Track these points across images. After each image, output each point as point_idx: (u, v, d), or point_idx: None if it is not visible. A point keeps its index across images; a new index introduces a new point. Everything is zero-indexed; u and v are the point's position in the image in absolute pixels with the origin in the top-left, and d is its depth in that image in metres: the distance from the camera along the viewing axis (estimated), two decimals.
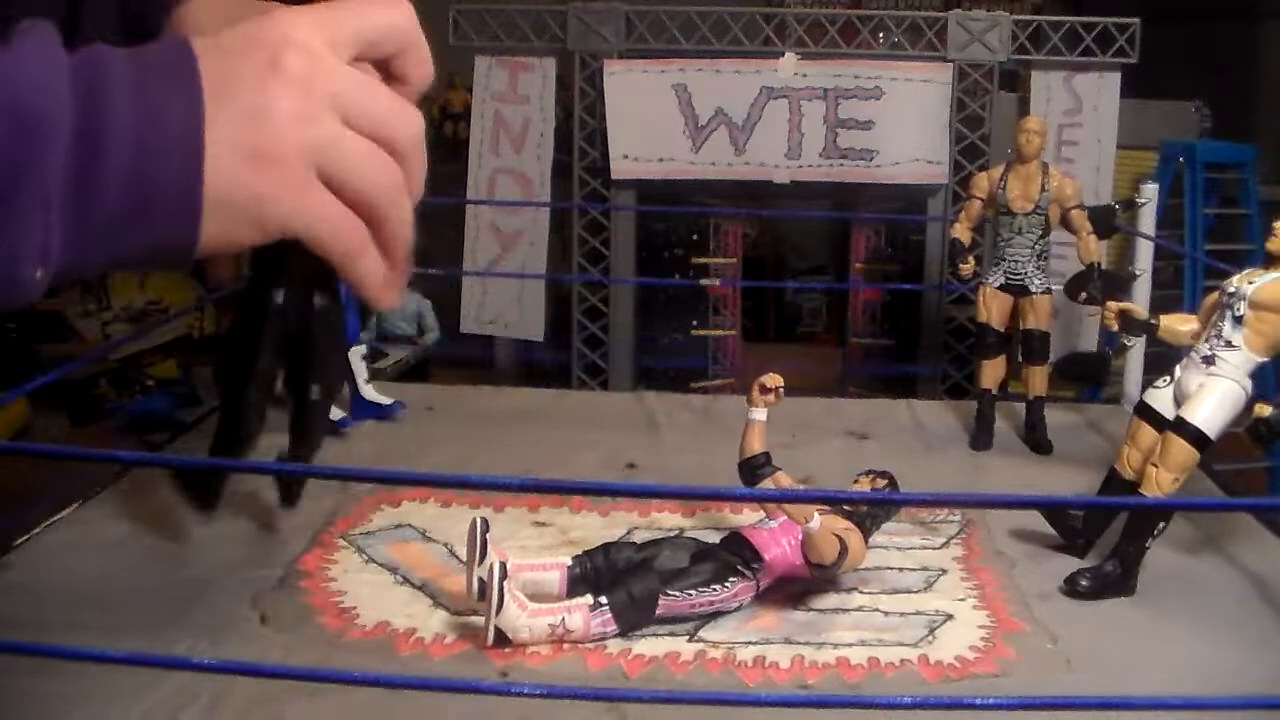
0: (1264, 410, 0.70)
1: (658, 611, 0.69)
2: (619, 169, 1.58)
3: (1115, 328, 0.83)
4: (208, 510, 0.67)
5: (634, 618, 0.68)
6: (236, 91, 0.44)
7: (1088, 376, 1.11)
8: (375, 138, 0.47)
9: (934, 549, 0.83)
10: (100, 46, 0.42)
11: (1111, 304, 0.83)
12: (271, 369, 0.63)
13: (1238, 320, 0.74)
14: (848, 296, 1.81)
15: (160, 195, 0.42)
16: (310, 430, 0.67)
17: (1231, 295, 0.75)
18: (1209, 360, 0.76)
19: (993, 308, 1.07)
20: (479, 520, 0.67)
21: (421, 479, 0.53)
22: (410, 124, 0.48)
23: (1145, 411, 0.78)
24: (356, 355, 1.09)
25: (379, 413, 1.08)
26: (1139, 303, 1.12)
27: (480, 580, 0.66)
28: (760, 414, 0.78)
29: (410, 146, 0.49)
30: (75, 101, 0.40)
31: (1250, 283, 0.75)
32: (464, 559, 0.69)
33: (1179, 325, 0.81)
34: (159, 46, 0.43)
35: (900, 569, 0.79)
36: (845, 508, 0.76)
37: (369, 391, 1.09)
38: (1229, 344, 0.75)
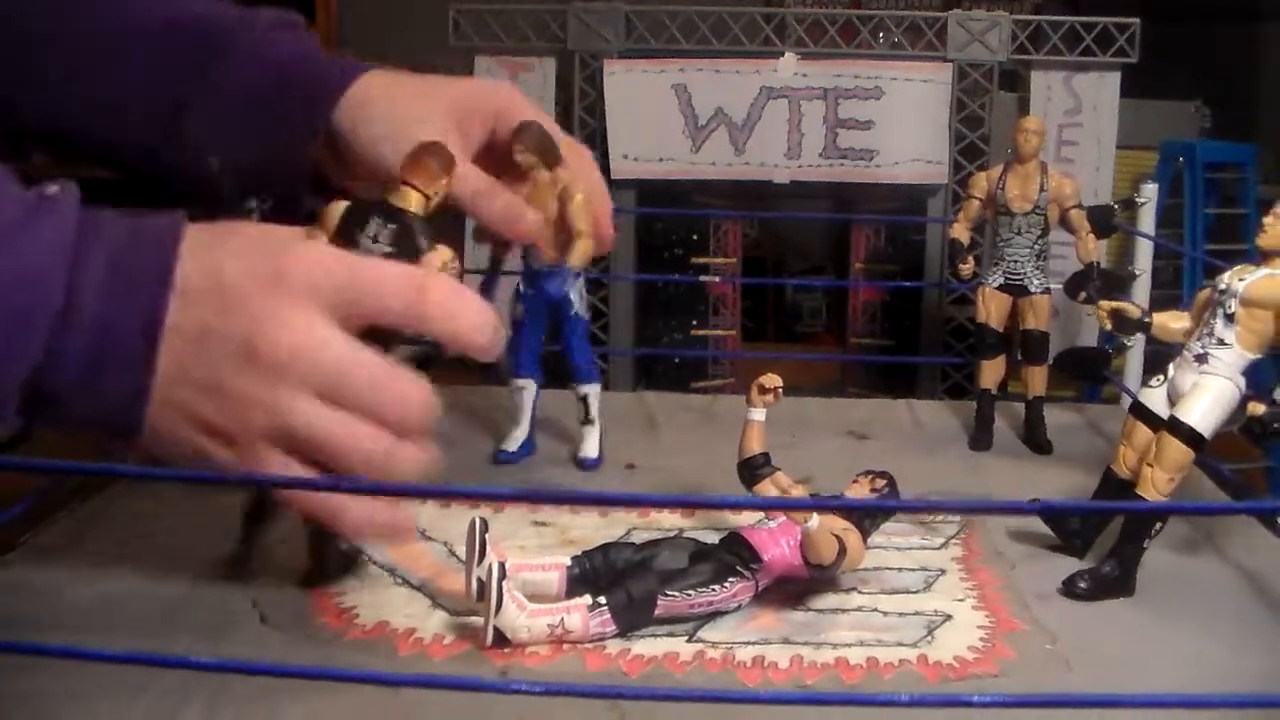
0: (1257, 408, 0.70)
1: (656, 612, 0.69)
2: (619, 169, 1.59)
3: (1108, 326, 0.83)
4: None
5: (633, 618, 0.68)
6: (202, 366, 0.46)
7: (1087, 372, 1.11)
8: (363, 415, 0.49)
9: (933, 549, 0.83)
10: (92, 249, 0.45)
11: (1104, 303, 0.83)
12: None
13: (1229, 318, 0.74)
14: (847, 296, 1.81)
15: (108, 423, 0.47)
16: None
17: (1223, 292, 0.75)
18: (1201, 358, 0.75)
19: (992, 308, 1.07)
20: (478, 520, 0.67)
21: (408, 490, 0.54)
22: (406, 405, 0.50)
23: (1140, 411, 0.78)
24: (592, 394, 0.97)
25: (584, 464, 0.96)
26: (1139, 302, 1.12)
27: (479, 580, 0.66)
28: (759, 414, 0.78)
29: (408, 428, 0.51)
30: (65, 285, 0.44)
31: (1241, 279, 0.74)
32: (463, 559, 0.69)
33: (1172, 323, 0.80)
34: (140, 283, 0.46)
35: (899, 569, 0.79)
36: None
37: (589, 439, 0.98)
38: (1221, 342, 0.75)
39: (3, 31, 0.74)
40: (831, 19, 1.58)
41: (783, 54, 1.54)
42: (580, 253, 0.88)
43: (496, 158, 0.81)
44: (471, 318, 0.53)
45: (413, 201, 0.60)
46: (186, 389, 0.46)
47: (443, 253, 0.59)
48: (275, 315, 0.46)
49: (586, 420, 0.97)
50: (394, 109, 0.74)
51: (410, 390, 0.51)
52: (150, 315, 0.45)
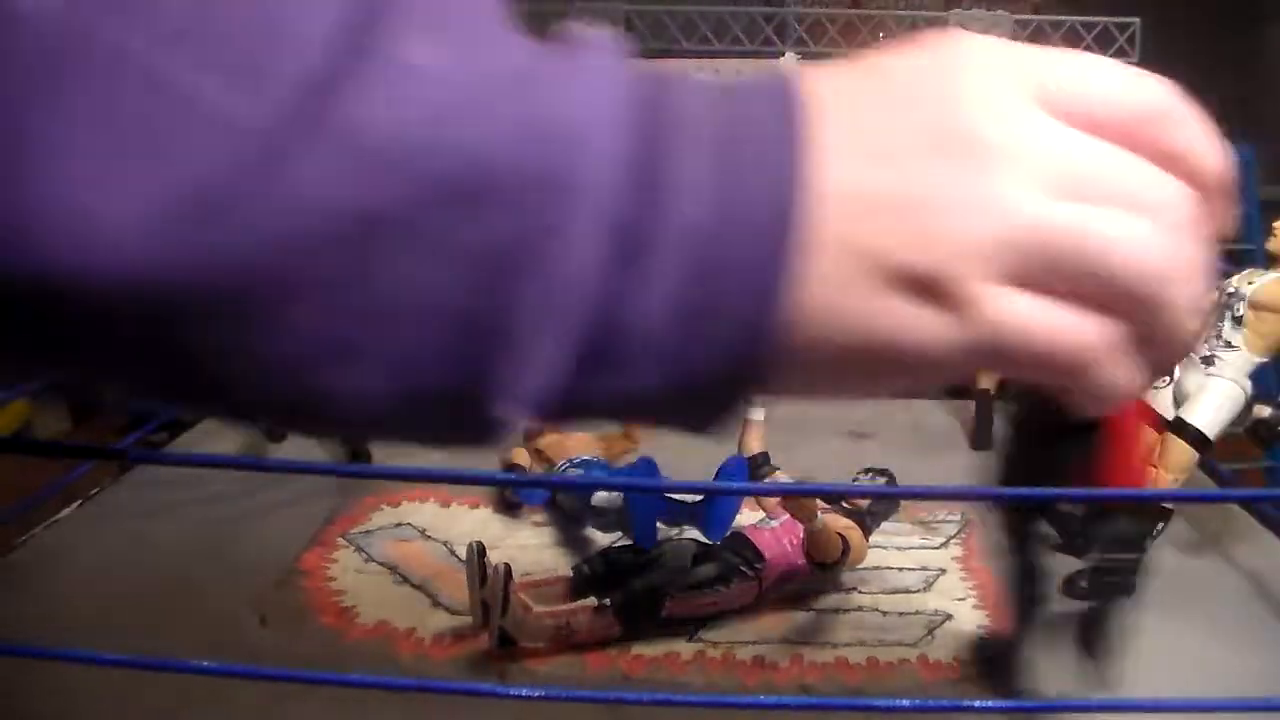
0: (1263, 411, 0.70)
1: (662, 613, 0.69)
2: None
3: None
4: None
5: (638, 619, 0.68)
6: (875, 173, 0.27)
7: None
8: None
9: (933, 549, 0.83)
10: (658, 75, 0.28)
11: None
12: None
13: (1237, 321, 0.75)
14: None
15: (731, 294, 0.26)
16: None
17: (1231, 295, 0.75)
18: (1208, 361, 0.76)
19: None
20: (474, 544, 0.66)
21: (420, 474, 0.53)
22: (1179, 197, 0.28)
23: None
24: None
25: None
26: None
27: (484, 604, 0.66)
28: (758, 413, 0.78)
29: (1182, 217, 0.28)
30: (630, 138, 0.26)
31: (1250, 283, 0.75)
32: (463, 558, 0.69)
33: None
34: (749, 84, 0.28)
35: (900, 569, 0.79)
36: (845, 506, 0.76)
37: None
38: (1228, 344, 0.75)
39: None
40: (831, 19, 1.58)
41: (783, 54, 1.54)
42: None
43: None
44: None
45: None
46: (850, 219, 0.26)
47: None
48: (978, 96, 0.28)
49: None
50: None
51: (1170, 180, 0.28)
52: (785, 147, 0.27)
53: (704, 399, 0.27)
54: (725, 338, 0.26)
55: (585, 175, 0.25)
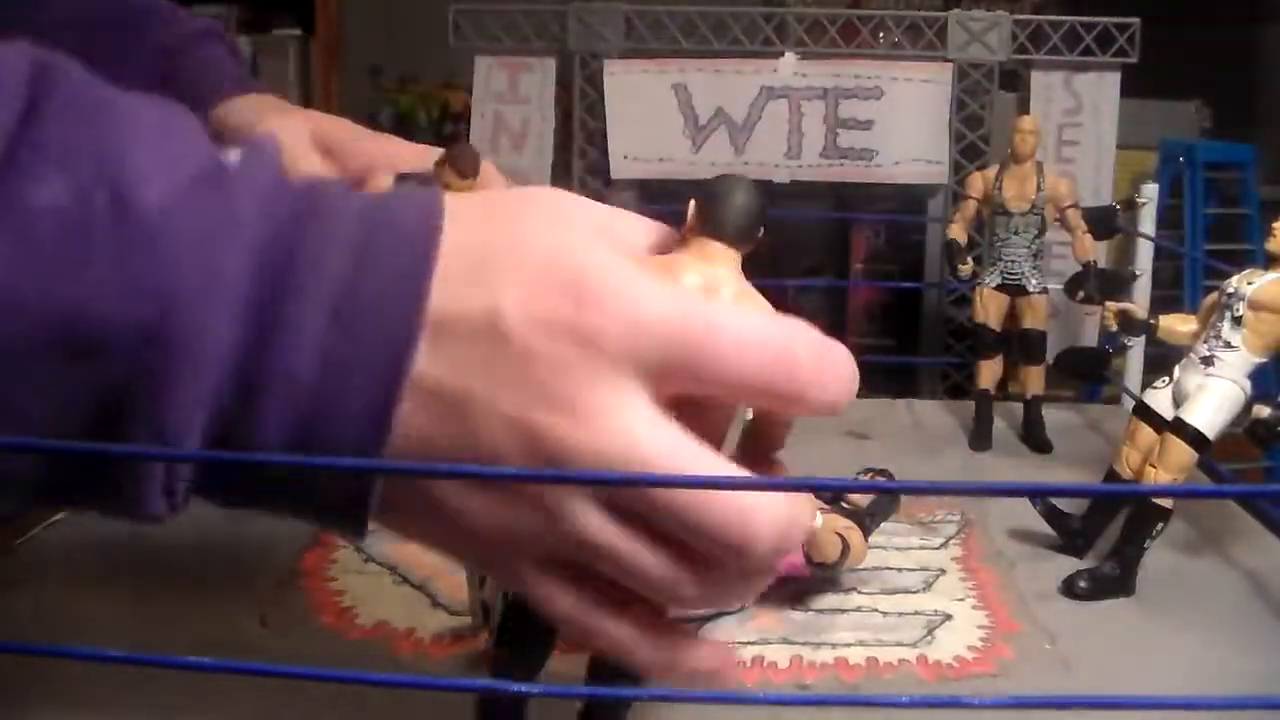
0: (1261, 411, 0.70)
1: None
2: (619, 169, 1.58)
3: (1114, 328, 0.83)
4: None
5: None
6: (454, 444, 0.31)
7: (1086, 372, 1.11)
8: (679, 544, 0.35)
9: (933, 549, 0.83)
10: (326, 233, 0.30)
11: (1110, 304, 0.84)
12: None
13: (1236, 321, 0.75)
14: (847, 296, 1.81)
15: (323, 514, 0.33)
16: None
17: (1230, 296, 0.75)
18: (1208, 361, 0.76)
19: (989, 308, 1.07)
20: None
21: (414, 470, 0.53)
22: (737, 536, 0.35)
23: (1144, 412, 0.79)
24: None
25: None
26: (1139, 303, 1.12)
27: (484, 604, 0.66)
28: (749, 412, 0.78)
29: (733, 570, 0.35)
30: (246, 299, 0.28)
31: (1249, 283, 0.75)
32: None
33: (1178, 325, 0.81)
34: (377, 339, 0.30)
35: (899, 569, 0.79)
36: (845, 506, 0.76)
37: None
38: (1228, 345, 0.75)
39: None
40: (831, 19, 1.58)
41: (783, 54, 1.54)
42: None
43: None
44: (845, 381, 0.37)
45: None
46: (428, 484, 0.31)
47: None
48: (573, 396, 0.31)
49: None
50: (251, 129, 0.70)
51: (754, 520, 0.34)
52: (388, 376, 0.29)
53: (325, 512, 0.32)
54: (326, 476, 0.30)
55: (193, 334, 0.27)
